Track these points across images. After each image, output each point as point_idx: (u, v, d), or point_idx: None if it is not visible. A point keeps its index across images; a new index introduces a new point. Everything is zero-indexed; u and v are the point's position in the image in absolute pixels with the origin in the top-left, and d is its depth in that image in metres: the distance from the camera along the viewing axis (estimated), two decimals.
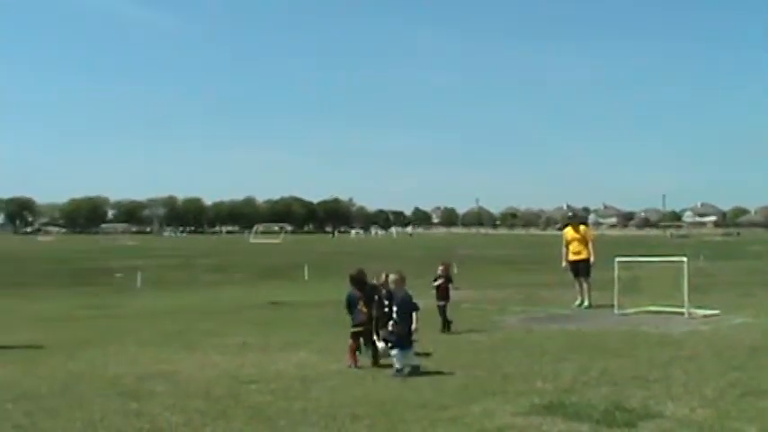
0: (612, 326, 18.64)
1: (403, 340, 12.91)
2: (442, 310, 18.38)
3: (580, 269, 23.89)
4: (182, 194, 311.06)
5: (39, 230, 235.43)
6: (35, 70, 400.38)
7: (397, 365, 12.76)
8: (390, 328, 13.16)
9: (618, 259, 22.25)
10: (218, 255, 76.15)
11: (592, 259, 23.87)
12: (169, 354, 15.50)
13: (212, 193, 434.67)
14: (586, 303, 23.34)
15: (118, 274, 44.30)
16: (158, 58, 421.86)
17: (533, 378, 12.10)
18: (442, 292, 18.68)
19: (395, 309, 13.32)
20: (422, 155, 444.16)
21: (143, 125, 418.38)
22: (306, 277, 39.61)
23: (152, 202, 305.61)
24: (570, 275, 24.47)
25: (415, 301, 13.54)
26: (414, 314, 13.21)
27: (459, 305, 21.90)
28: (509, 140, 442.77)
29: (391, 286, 13.74)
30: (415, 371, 12.70)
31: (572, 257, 24.21)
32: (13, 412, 10.49)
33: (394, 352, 12.88)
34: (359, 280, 14.14)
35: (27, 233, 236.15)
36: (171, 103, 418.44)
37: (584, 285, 23.68)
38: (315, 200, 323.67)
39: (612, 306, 21.39)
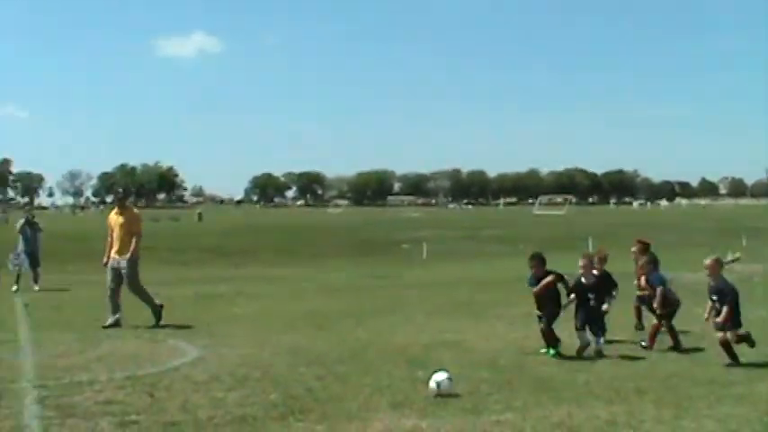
0: None
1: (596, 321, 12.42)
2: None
3: None
4: (466, 167, 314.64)
5: (327, 202, 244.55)
6: (296, 50, 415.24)
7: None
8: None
9: None
10: (502, 226, 76.32)
11: None
12: (455, 323, 15.66)
13: (496, 166, 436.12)
14: None
15: (404, 246, 45.25)
16: (448, 28, 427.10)
17: None
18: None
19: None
20: (709, 123, 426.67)
21: (425, 98, 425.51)
22: (590, 249, 38.98)
23: (437, 175, 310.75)
24: None
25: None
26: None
27: (750, 279, 20.93)
28: None
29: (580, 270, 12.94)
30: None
31: None
32: (305, 376, 10.92)
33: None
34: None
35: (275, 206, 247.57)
36: (454, 76, 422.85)
37: None
38: (599, 171, 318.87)
39: None
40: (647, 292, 13.92)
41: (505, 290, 21.86)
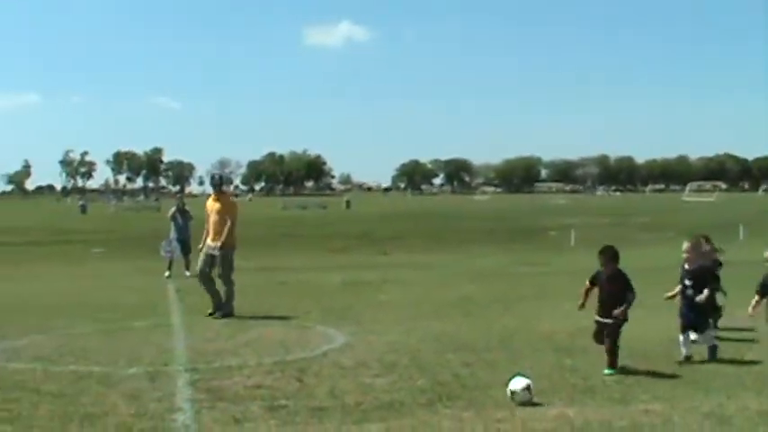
0: None
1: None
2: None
3: None
4: (614, 153, 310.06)
5: (474, 189, 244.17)
6: (443, 39, 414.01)
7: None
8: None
9: None
10: (651, 213, 74.92)
11: None
12: None
13: (644, 152, 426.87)
14: None
15: (552, 232, 44.87)
16: (593, 13, 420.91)
17: None
18: None
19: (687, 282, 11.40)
20: None
21: (572, 84, 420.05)
22: (740, 236, 37.92)
23: (584, 162, 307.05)
24: None
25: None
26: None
27: None
28: None
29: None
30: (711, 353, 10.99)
31: None
32: (452, 362, 10.95)
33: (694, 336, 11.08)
34: None
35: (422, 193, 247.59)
36: (602, 62, 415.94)
37: None
38: (750, 157, 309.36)
39: None
40: None
41: (652, 278, 21.37)
